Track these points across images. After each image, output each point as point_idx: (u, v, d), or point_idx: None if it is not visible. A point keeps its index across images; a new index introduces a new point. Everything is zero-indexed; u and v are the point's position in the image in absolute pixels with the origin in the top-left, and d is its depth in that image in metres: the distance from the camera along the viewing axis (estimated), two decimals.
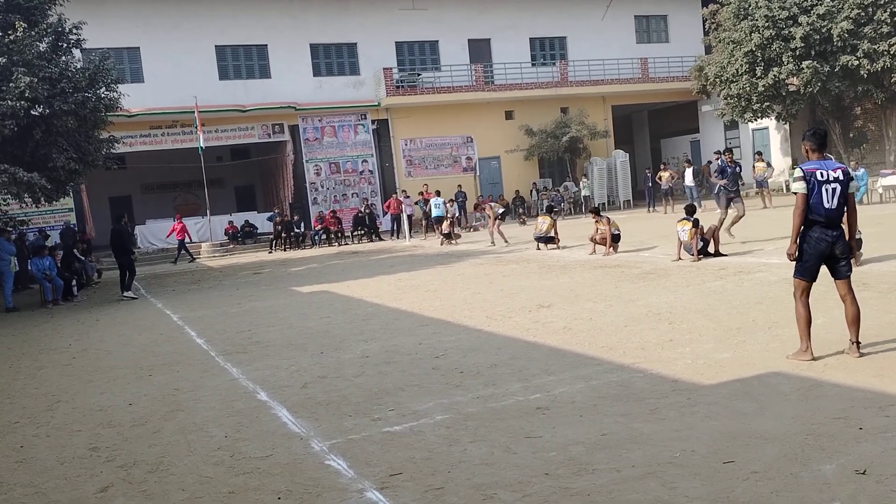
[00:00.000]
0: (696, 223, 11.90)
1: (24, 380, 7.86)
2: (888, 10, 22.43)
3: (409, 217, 24.79)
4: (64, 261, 16.76)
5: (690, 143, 34.00)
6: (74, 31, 16.46)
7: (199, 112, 24.68)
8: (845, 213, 5.57)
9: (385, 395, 5.80)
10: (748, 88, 24.45)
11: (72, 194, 21.49)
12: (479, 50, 30.60)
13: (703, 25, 29.80)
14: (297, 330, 9.18)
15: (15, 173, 14.05)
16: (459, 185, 27.80)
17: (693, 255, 11.88)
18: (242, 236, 26.50)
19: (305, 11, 28.01)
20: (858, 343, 5.56)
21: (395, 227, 25.93)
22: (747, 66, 24.15)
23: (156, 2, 26.19)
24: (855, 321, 5.55)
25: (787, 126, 28.30)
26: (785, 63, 23.39)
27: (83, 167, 16.59)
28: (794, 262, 5.67)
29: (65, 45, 16.49)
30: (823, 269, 5.67)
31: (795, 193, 5.54)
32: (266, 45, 27.72)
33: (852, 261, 5.84)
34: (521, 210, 28.32)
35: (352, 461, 4.43)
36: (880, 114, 25.83)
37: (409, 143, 29.25)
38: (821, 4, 23.04)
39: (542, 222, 16.30)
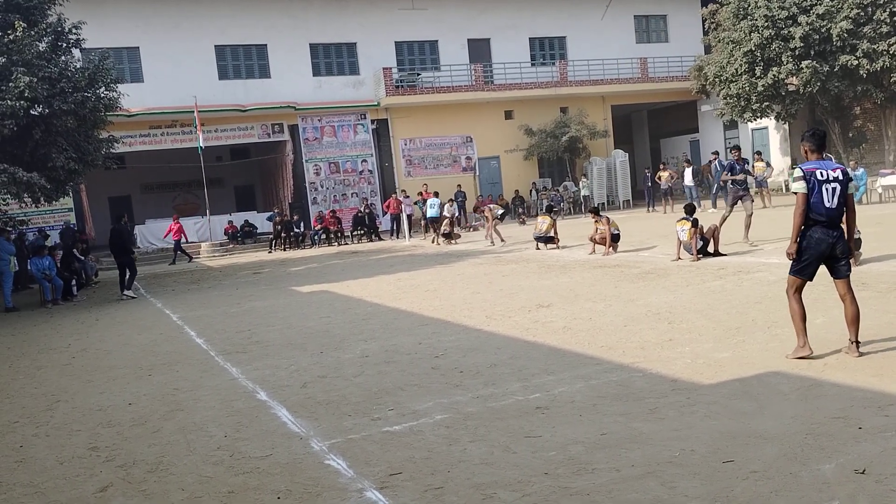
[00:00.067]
0: (695, 223, 11.91)
1: (24, 379, 7.85)
2: (887, 9, 22.42)
3: (409, 217, 24.78)
4: (63, 261, 16.76)
5: (690, 142, 34.00)
6: (74, 30, 16.47)
7: (199, 112, 24.66)
8: (845, 213, 5.59)
9: (385, 394, 5.81)
10: (747, 88, 24.43)
11: (71, 194, 21.47)
12: (479, 50, 30.60)
13: (703, 25, 29.78)
14: (296, 330, 9.17)
15: (14, 173, 14.06)
16: (459, 185, 27.75)
17: (692, 254, 11.89)
18: (242, 236, 26.49)
19: (305, 11, 28.01)
20: (858, 342, 5.57)
21: (394, 227, 25.92)
22: (747, 65, 24.14)
23: (156, 2, 26.18)
24: (854, 321, 5.56)
25: (786, 126, 28.29)
26: (784, 63, 23.38)
27: (83, 167, 16.59)
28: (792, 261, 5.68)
29: (64, 44, 16.49)
30: (822, 269, 5.68)
31: (796, 193, 5.55)
32: (266, 45, 27.72)
33: (851, 260, 5.86)
34: (520, 210, 28.30)
35: (351, 461, 4.43)
36: (879, 114, 25.82)
37: (409, 143, 29.24)
38: (820, 4, 23.02)
39: (542, 222, 16.31)
